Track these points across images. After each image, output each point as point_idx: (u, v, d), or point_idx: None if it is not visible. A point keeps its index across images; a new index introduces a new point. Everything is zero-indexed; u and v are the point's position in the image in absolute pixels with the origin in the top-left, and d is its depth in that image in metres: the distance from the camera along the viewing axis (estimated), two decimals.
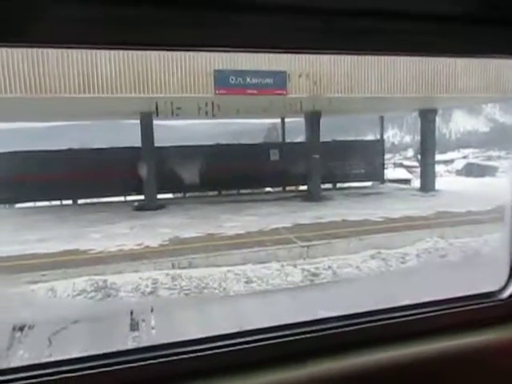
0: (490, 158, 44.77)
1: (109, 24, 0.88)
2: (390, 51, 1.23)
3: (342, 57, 11.10)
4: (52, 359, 1.10)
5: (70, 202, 16.15)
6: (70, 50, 9.05)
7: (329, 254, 8.11)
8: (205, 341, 1.18)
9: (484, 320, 1.39)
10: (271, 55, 10.42)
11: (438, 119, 16.90)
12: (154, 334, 4.22)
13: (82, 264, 7.45)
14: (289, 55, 10.21)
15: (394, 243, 8.47)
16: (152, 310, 5.22)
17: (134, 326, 4.33)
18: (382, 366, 1.24)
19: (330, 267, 7.51)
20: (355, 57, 10.80)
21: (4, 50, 8.76)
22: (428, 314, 1.36)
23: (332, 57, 11.11)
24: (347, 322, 1.29)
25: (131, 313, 4.83)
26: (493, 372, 1.37)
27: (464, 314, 1.39)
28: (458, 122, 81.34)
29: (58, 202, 16.14)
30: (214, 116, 13.50)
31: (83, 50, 8.98)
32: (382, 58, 11.19)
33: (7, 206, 15.86)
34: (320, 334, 1.25)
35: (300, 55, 10.39)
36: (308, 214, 11.68)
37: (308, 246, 8.40)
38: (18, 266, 7.36)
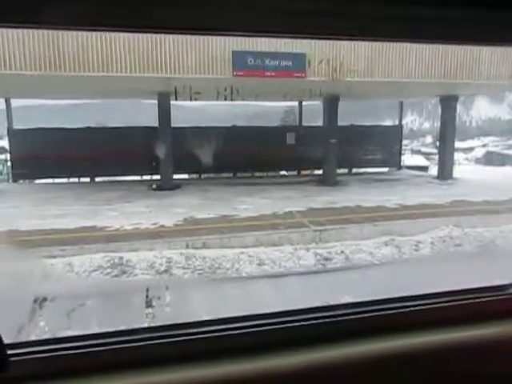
0: (510, 147, 43.66)
1: (114, 6, 0.87)
2: (411, 38, 1.20)
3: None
4: (69, 334, 1.15)
5: (87, 179, 16.40)
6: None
7: (342, 239, 8.12)
8: (214, 323, 1.21)
9: (495, 313, 1.40)
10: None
11: (458, 106, 16.53)
12: (168, 311, 4.33)
13: (98, 241, 7.61)
14: None
15: (409, 230, 8.43)
16: (167, 288, 5.33)
17: (149, 303, 4.44)
18: (388, 355, 1.25)
19: (342, 252, 7.53)
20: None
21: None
22: (438, 305, 1.37)
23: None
24: (357, 310, 1.30)
25: (146, 290, 4.94)
26: (501, 364, 1.38)
27: (475, 306, 1.40)
28: (479, 110, 79.31)
29: (75, 179, 16.40)
30: (232, 100, 13.43)
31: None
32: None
33: (27, 181, 16.18)
34: (329, 320, 1.26)
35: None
36: (322, 199, 11.66)
37: (321, 231, 8.42)
38: (38, 240, 7.56)
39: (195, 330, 1.18)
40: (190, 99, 13.22)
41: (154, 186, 14.00)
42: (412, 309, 1.35)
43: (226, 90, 11.92)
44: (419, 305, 1.36)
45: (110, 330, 1.17)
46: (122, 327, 1.21)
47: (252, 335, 1.21)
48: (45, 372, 1.07)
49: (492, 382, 1.37)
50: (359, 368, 1.23)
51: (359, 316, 1.29)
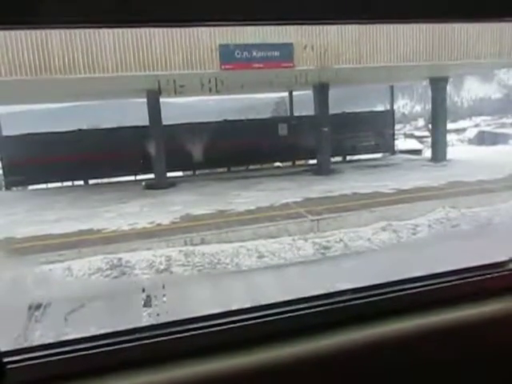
0: (502, 126, 43.85)
1: (107, 2, 0.85)
2: (398, 19, 1.17)
3: (349, 25, 10.78)
4: (59, 340, 1.13)
5: (81, 182, 16.30)
6: (73, 31, 8.98)
7: (340, 227, 8.13)
8: (217, 317, 1.19)
9: (496, 289, 1.40)
10: (276, 27, 10.18)
11: (449, 87, 16.53)
12: (168, 309, 4.31)
13: (96, 243, 7.57)
14: (294, 26, 9.96)
15: (406, 214, 8.45)
16: (166, 287, 5.32)
17: (149, 303, 4.43)
18: (392, 337, 1.25)
19: (341, 240, 7.55)
20: (363, 25, 10.49)
21: (8, 33, 8.72)
22: (440, 285, 1.36)
23: (339, 26, 10.82)
24: (360, 295, 1.30)
25: (144, 290, 4.93)
26: (503, 340, 1.37)
27: (476, 283, 1.39)
28: (469, 90, 79.43)
29: (69, 183, 16.30)
30: (218, 92, 13.31)
31: (86, 30, 8.89)
32: (391, 25, 10.86)
33: (20, 188, 16.07)
34: (333, 306, 1.26)
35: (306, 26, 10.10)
36: (318, 188, 11.65)
37: (319, 220, 8.42)
38: (35, 246, 7.51)
39: (194, 326, 1.16)
40: (175, 92, 13.10)
41: (148, 184, 13.97)
42: (413, 290, 1.34)
43: (210, 81, 11.84)
44: (421, 286, 1.35)
45: (105, 331, 1.15)
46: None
47: (255, 327, 1.19)
48: (42, 378, 1.05)
49: (494, 357, 1.37)
50: (366, 351, 1.23)
51: (363, 301, 1.29)
